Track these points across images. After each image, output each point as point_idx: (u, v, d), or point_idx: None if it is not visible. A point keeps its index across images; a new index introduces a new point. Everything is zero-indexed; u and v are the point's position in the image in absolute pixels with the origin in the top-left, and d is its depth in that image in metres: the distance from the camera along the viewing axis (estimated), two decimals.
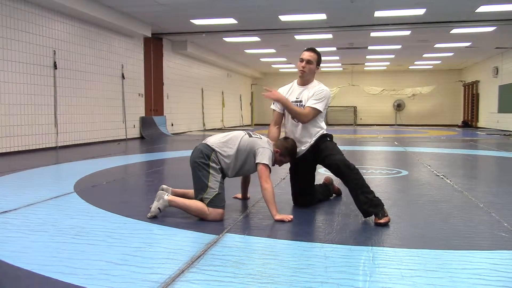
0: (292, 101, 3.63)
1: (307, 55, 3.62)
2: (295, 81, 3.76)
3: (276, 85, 20.33)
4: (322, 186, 3.96)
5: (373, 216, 3.17)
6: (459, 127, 20.78)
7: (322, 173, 4.96)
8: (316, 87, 3.63)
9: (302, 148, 3.61)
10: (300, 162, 3.65)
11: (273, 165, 3.47)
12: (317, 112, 3.55)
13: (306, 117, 3.54)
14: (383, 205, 3.17)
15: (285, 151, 3.50)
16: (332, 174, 3.49)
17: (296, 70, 4.18)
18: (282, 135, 3.73)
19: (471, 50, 16.42)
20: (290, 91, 3.72)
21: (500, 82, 17.26)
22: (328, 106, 3.87)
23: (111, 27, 10.59)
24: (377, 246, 2.61)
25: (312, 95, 3.58)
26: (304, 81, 3.67)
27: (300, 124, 3.60)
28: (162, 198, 3.24)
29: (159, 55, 13.59)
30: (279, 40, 14.25)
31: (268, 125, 3.97)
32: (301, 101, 3.61)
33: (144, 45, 12.59)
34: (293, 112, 3.57)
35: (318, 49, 3.77)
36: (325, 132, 3.64)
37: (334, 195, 4.10)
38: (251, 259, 2.38)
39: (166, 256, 2.40)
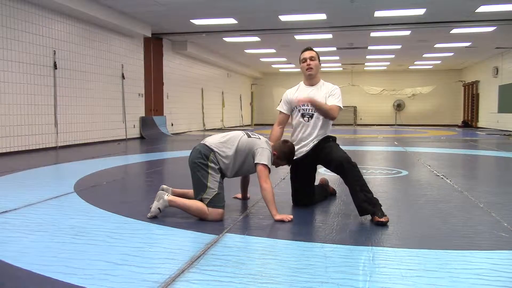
0: None
1: (308, 53, 3.65)
2: (301, 82, 3.78)
3: (276, 85, 20.29)
4: (319, 187, 3.97)
5: (369, 216, 3.19)
6: (459, 127, 20.78)
7: (321, 173, 4.96)
8: (326, 85, 3.66)
9: (306, 148, 3.62)
10: (301, 162, 3.65)
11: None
12: (338, 109, 3.56)
13: (336, 113, 3.52)
14: (381, 206, 3.18)
15: (282, 155, 3.50)
16: (332, 172, 3.50)
17: (297, 70, 4.20)
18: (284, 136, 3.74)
19: (471, 50, 16.42)
20: (298, 92, 3.71)
21: (500, 82, 17.26)
22: None
23: (111, 27, 10.59)
24: (377, 246, 2.61)
25: (329, 94, 3.58)
26: (313, 80, 3.67)
27: (313, 124, 3.59)
28: (162, 198, 3.24)
29: (159, 55, 13.59)
30: (279, 40, 14.25)
31: (269, 125, 3.99)
32: None
33: (144, 45, 12.59)
34: (324, 109, 3.50)
35: (318, 49, 3.79)
36: (329, 134, 3.68)
37: (329, 195, 4.10)
38: (251, 259, 2.38)
39: (166, 256, 2.40)
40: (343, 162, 3.27)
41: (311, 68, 3.61)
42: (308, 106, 3.61)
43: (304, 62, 3.64)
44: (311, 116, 3.61)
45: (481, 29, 12.29)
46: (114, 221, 3.16)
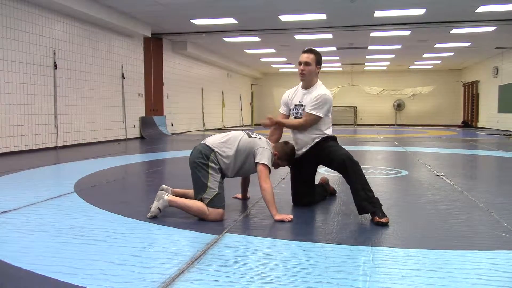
0: (295, 105, 3.68)
1: (304, 57, 3.59)
2: (300, 84, 3.76)
3: (276, 85, 20.26)
4: (319, 186, 3.96)
5: (369, 214, 3.19)
6: (459, 127, 20.77)
7: (321, 173, 4.96)
8: (318, 89, 3.60)
9: (304, 150, 3.64)
10: (302, 162, 3.66)
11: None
12: (314, 117, 3.53)
13: (303, 126, 3.59)
14: (381, 205, 3.18)
15: (284, 155, 3.51)
16: (334, 170, 3.50)
17: (296, 70, 4.17)
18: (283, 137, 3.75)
19: (471, 50, 16.42)
20: (294, 95, 3.74)
21: (500, 82, 17.26)
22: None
23: (111, 27, 10.59)
24: (377, 246, 2.61)
25: (313, 100, 3.56)
26: (307, 83, 3.65)
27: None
28: (162, 198, 3.24)
29: (159, 55, 13.59)
30: (279, 40, 14.25)
31: None
32: (304, 106, 3.62)
33: (144, 45, 12.58)
34: (292, 127, 3.68)
35: (318, 49, 3.75)
36: (329, 134, 3.67)
37: (329, 195, 4.10)
38: (251, 259, 2.38)
39: (166, 256, 2.40)
40: (345, 160, 3.28)
41: (303, 74, 3.58)
42: (299, 110, 3.65)
43: (299, 65, 3.60)
44: None
45: (481, 29, 12.28)
46: (114, 221, 3.16)
